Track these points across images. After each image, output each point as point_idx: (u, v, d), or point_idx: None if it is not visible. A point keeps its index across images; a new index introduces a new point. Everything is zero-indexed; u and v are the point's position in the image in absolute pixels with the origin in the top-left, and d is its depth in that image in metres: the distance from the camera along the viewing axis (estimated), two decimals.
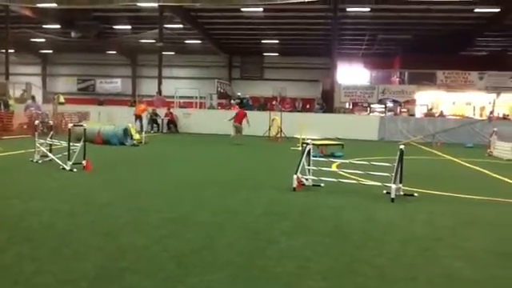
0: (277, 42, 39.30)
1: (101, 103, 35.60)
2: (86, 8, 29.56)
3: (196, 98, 34.91)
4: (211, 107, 33.23)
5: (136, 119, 24.41)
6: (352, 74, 34.95)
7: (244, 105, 27.65)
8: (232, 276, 4.21)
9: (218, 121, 25.31)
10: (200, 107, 33.58)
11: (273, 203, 7.58)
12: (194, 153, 16.48)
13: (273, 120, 23.28)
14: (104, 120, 24.96)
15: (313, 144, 9.44)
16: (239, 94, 34.25)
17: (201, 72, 45.47)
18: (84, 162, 10.43)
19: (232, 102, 31.78)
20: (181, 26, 34.25)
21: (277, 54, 44.00)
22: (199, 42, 40.05)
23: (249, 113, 20.90)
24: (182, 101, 33.98)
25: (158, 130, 26.77)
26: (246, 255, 4.82)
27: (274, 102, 31.77)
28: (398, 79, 33.97)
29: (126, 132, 17.58)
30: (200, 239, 5.35)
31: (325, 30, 32.30)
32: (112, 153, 14.74)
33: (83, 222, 5.96)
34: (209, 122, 26.35)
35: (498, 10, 26.82)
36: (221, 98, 35.89)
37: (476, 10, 27.15)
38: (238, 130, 19.70)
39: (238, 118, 19.73)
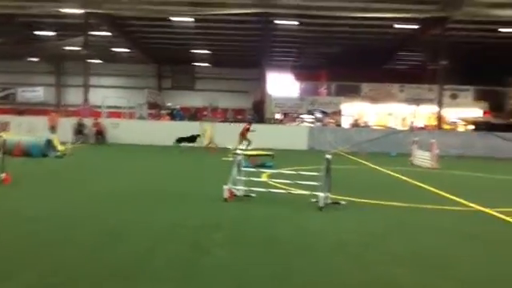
0: (208, 52, 39.31)
1: (21, 113, 33.66)
2: (7, 13, 27.95)
3: (125, 108, 33.97)
4: (141, 117, 32.49)
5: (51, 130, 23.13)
6: (282, 85, 35.72)
7: (174, 115, 27.30)
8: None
9: (148, 131, 24.77)
10: (129, 117, 32.71)
11: (205, 214, 7.50)
12: (122, 164, 15.99)
13: (204, 131, 23.15)
14: (25, 131, 23.58)
15: (243, 154, 9.46)
16: (169, 104, 33.81)
17: (130, 81, 44.42)
18: (3, 175, 9.77)
19: (162, 112, 31.29)
20: (108, 33, 33.32)
21: (208, 65, 43.99)
22: (127, 50, 39.16)
23: (179, 123, 20.67)
24: (110, 111, 32.92)
25: (85, 140, 25.73)
26: (183, 267, 4.72)
27: (205, 113, 31.67)
28: (325, 91, 35.14)
29: (49, 143, 16.73)
30: (134, 253, 5.17)
31: (255, 41, 32.78)
32: (34, 165, 13.95)
33: (4, 239, 5.56)
34: (139, 133, 25.73)
35: (416, 26, 28.55)
36: (151, 108, 35.23)
37: (396, 26, 28.71)
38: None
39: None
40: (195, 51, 39.19)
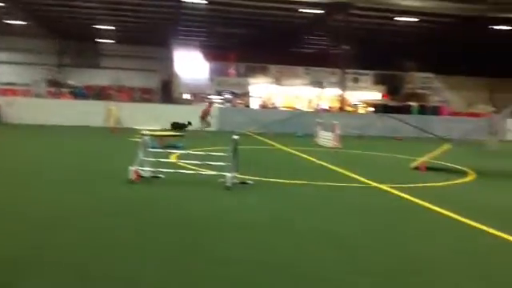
0: (113, 28, 37.55)
1: None
2: None
3: (20, 85, 31.56)
4: (39, 95, 30.40)
5: None
6: (191, 65, 35.28)
7: (76, 94, 25.93)
8: (76, 277, 3.96)
9: (47, 110, 23.31)
10: (25, 95, 30.46)
11: (109, 197, 7.30)
12: (18, 145, 14.94)
13: (109, 110, 22.29)
14: None
15: (152, 135, 9.29)
16: (71, 82, 32.02)
17: (27, 57, 41.12)
18: None
19: (63, 90, 29.57)
20: (0, 4, 30.54)
21: (114, 42, 42.09)
22: (24, 23, 36.22)
23: (82, 102, 19.68)
24: (4, 88, 30.42)
25: None
26: (87, 256, 4.56)
27: (110, 92, 30.44)
28: (234, 72, 35.30)
29: None
30: (34, 240, 4.91)
31: (164, 19, 31.89)
32: None
33: None
34: (37, 112, 24.09)
35: (320, 11, 29.48)
36: (51, 86, 33.11)
37: (300, 10, 29.39)
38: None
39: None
40: (100, 27, 37.23)
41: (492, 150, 18.18)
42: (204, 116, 21.18)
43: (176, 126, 18.54)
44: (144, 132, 9.17)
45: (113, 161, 11.63)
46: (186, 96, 32.93)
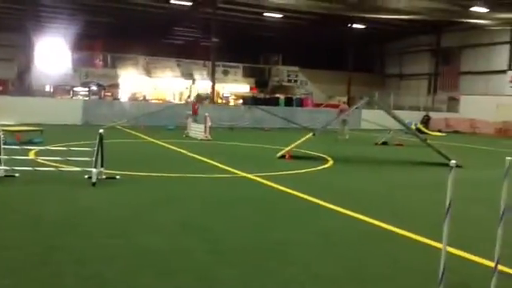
0: None
1: None
2: None
3: None
4: None
5: None
6: (53, 54, 32.76)
7: None
8: None
9: None
10: None
11: None
12: None
13: None
14: None
15: (5, 130, 8.50)
16: None
17: None
18: None
19: None
20: None
21: None
22: None
23: None
24: None
25: None
26: None
27: None
28: (101, 62, 33.64)
29: None
30: None
31: (19, 3, 29.02)
32: None
33: None
34: None
35: (190, 3, 29.40)
36: None
37: (171, 2, 29.03)
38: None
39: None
40: None
41: (342, 139, 19.86)
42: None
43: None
44: None
45: None
46: (47, 88, 30.57)
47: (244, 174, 9.70)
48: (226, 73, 35.89)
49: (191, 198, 7.54)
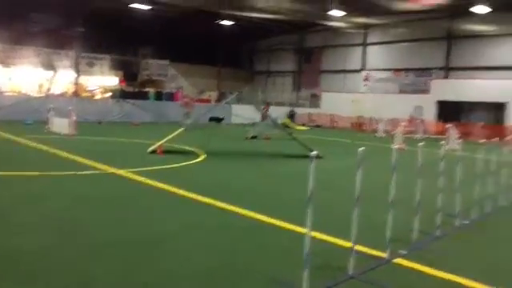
0: None
1: None
2: None
3: None
4: None
5: None
6: None
7: None
8: None
9: None
10: None
11: None
12: None
13: None
14: None
15: None
16: None
17: None
18: None
19: None
20: None
21: None
22: None
23: None
24: None
25: None
26: None
27: None
28: None
29: None
30: None
31: None
32: None
33: None
34: None
35: None
36: None
37: None
38: None
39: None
40: None
41: (188, 130, 20.03)
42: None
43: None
44: None
45: None
46: None
47: (113, 170, 9.36)
48: (91, 64, 33.92)
49: (55, 196, 7.06)
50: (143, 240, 5.08)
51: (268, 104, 26.18)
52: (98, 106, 26.30)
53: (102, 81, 34.68)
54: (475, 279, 4.32)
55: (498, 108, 26.76)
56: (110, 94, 31.34)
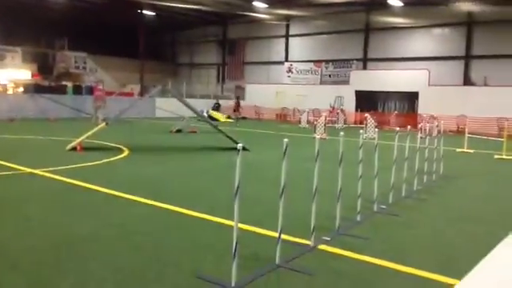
0: None
1: None
2: None
3: None
4: None
5: None
6: None
7: None
8: None
9: None
10: None
11: None
12: None
13: None
14: None
15: None
16: None
17: None
18: None
19: None
20: None
21: None
22: None
23: None
24: None
25: None
26: None
27: None
28: None
29: None
30: None
31: None
32: None
33: None
34: None
35: None
36: None
37: None
38: None
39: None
40: None
41: (95, 123, 19.55)
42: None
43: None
44: None
45: None
46: None
47: (30, 170, 8.84)
48: (1, 57, 31.74)
49: None
50: (62, 242, 4.85)
51: (238, 98, 26.95)
52: (10, 102, 24.67)
53: (14, 74, 32.54)
54: (391, 260, 4.59)
55: (410, 97, 28.44)
56: (23, 88, 29.50)
